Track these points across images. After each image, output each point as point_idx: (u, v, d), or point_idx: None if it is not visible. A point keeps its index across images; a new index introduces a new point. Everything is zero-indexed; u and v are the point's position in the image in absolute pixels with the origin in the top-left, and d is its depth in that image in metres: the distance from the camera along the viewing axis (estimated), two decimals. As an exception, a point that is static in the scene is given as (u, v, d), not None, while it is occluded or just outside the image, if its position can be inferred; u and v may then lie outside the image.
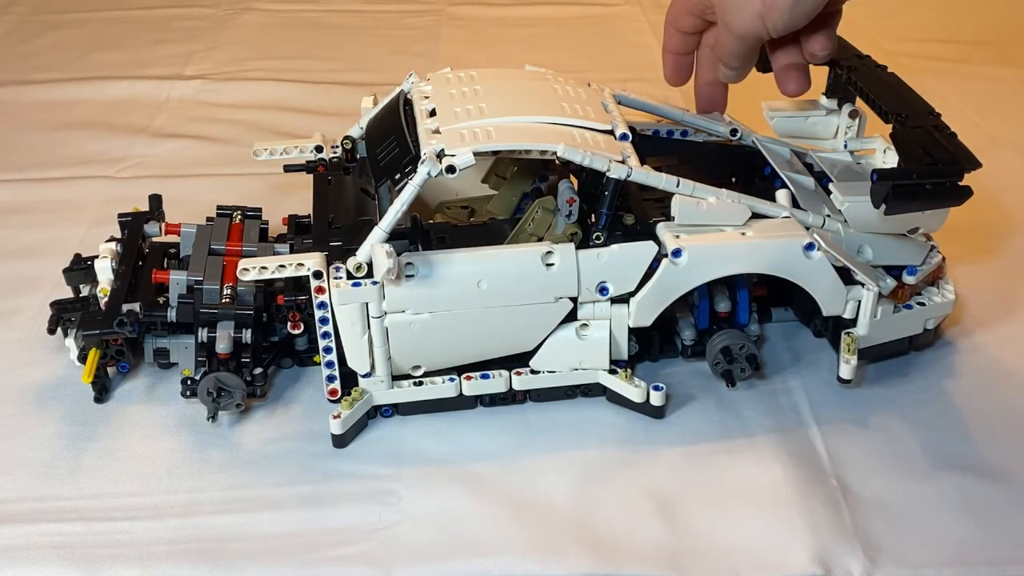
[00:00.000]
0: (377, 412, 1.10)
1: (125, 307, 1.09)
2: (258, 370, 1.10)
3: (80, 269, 1.18)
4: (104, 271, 1.14)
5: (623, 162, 1.03)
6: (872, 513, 0.99)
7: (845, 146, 1.23)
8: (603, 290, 1.06)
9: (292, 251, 1.14)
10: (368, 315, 1.02)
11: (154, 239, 1.21)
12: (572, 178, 1.14)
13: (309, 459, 1.05)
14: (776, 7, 1.05)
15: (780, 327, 1.23)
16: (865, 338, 1.11)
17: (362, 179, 1.24)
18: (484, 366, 1.09)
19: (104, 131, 1.71)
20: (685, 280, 1.06)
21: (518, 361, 1.10)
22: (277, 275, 1.04)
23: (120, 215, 1.22)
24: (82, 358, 1.11)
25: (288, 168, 1.27)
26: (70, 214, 1.47)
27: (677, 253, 1.04)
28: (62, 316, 1.16)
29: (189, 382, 1.07)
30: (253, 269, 1.04)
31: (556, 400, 1.11)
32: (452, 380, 1.08)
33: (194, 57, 1.97)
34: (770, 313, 1.23)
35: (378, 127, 1.15)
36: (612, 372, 1.10)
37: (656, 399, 1.08)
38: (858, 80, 1.17)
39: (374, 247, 0.99)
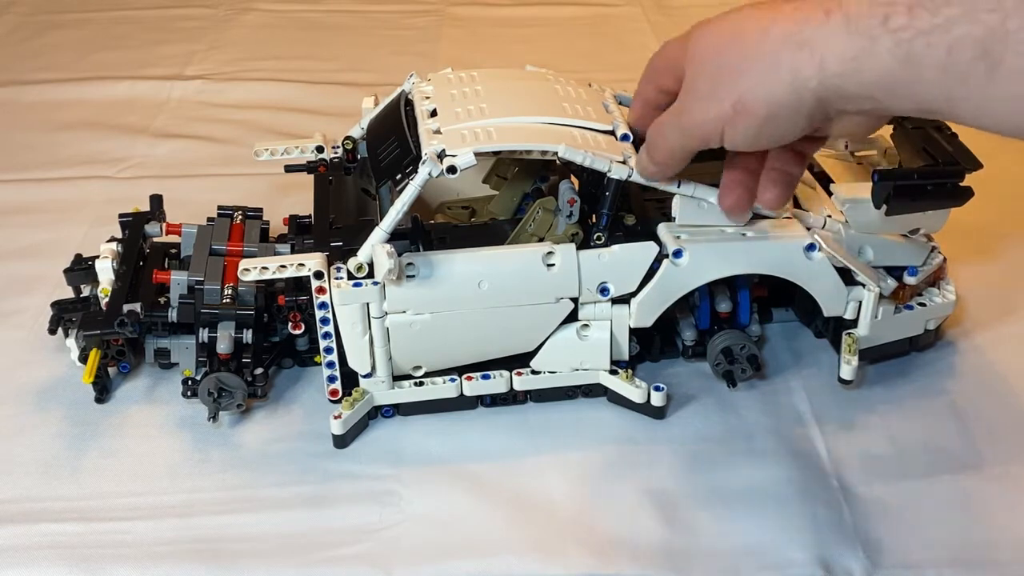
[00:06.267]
0: (378, 412, 1.10)
1: (126, 307, 1.09)
2: (259, 370, 1.10)
3: (81, 269, 1.18)
4: (105, 271, 1.14)
5: (624, 162, 1.03)
6: (872, 513, 0.99)
7: (845, 146, 1.23)
8: (604, 290, 1.06)
9: (293, 251, 1.14)
10: (369, 315, 1.02)
11: (155, 239, 1.21)
12: (573, 178, 1.14)
13: (310, 459, 1.05)
14: (748, 115, 0.85)
15: (781, 327, 1.23)
16: (866, 338, 1.11)
17: (363, 179, 1.24)
18: (485, 366, 1.09)
19: (104, 131, 1.71)
20: (686, 281, 1.06)
21: (519, 361, 1.09)
22: (278, 275, 1.03)
23: (121, 215, 1.22)
24: (83, 358, 1.11)
25: (289, 168, 1.27)
26: (70, 214, 1.47)
27: (678, 254, 1.04)
28: (63, 316, 1.16)
29: (190, 382, 1.07)
30: (254, 269, 1.04)
31: (557, 400, 1.11)
32: (453, 380, 1.08)
33: (194, 57, 1.96)
34: (771, 313, 1.23)
35: (379, 127, 1.15)
36: (613, 372, 1.10)
37: (657, 399, 1.08)
38: (859, 80, 1.17)
39: (375, 247, 0.99)
